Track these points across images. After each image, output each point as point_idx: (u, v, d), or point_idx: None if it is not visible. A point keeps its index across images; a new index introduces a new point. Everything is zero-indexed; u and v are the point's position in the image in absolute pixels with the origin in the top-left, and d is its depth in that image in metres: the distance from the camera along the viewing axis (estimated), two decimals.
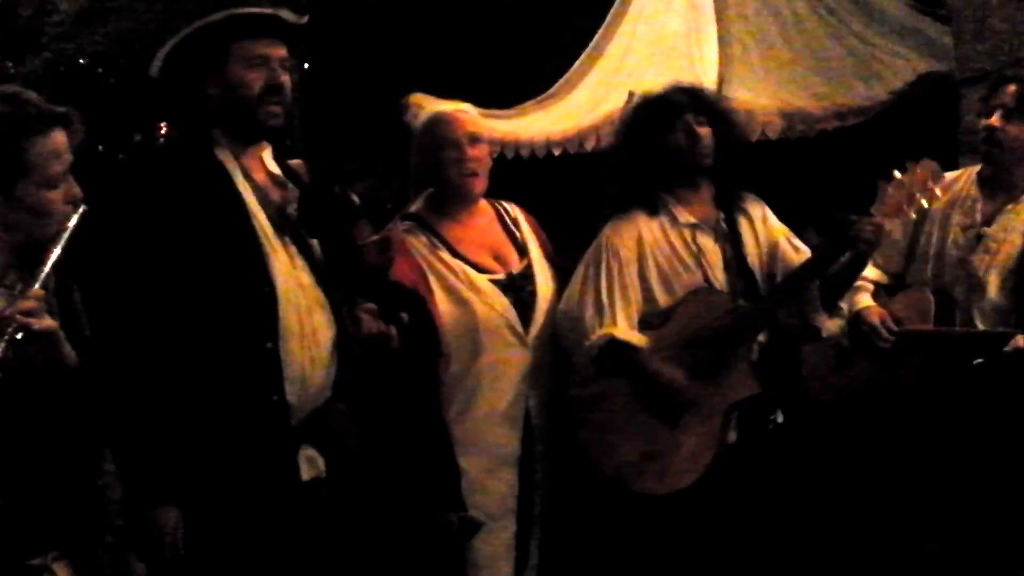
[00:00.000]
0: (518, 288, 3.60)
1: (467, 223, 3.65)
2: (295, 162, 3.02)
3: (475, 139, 3.61)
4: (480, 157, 3.61)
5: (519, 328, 3.55)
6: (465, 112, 3.70)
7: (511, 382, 3.54)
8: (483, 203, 3.71)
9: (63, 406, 2.42)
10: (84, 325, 2.57)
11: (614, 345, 3.47)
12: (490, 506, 3.49)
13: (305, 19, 2.94)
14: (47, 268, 2.35)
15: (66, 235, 2.40)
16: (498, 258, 3.63)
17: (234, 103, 2.87)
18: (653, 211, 3.57)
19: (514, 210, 3.77)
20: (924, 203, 3.47)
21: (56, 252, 2.38)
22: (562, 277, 3.68)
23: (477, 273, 3.57)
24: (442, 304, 3.52)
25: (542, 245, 3.74)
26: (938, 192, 3.49)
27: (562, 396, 3.57)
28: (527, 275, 3.63)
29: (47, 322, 2.33)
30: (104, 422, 2.60)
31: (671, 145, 3.53)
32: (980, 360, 3.61)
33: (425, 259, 3.56)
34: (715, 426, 3.43)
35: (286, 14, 2.90)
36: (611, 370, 3.48)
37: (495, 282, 3.58)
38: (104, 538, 2.64)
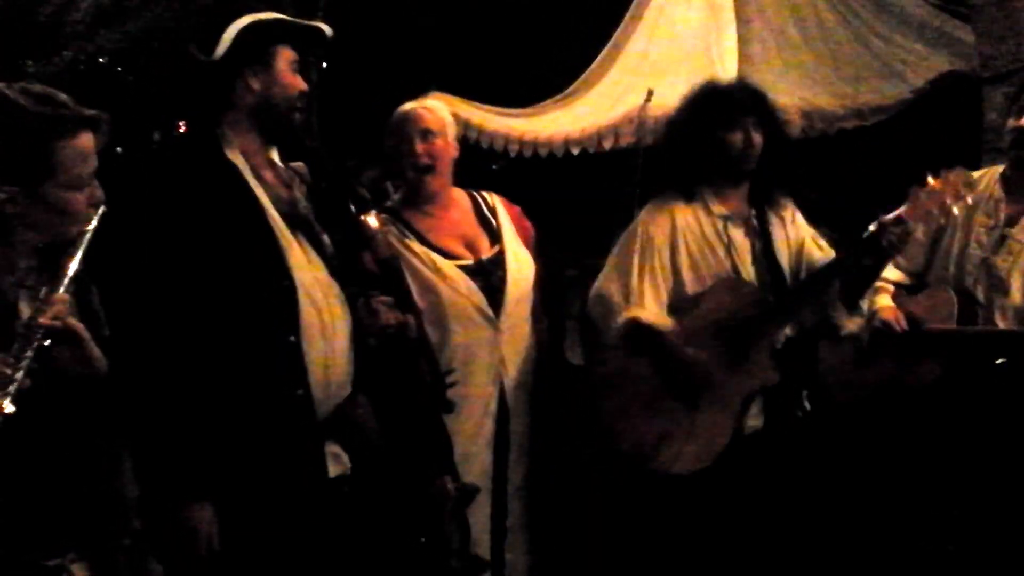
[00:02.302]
0: (487, 273, 3.62)
1: (438, 215, 3.68)
2: (296, 164, 3.04)
3: (427, 134, 3.62)
4: (433, 152, 3.62)
5: (488, 311, 3.58)
6: (426, 108, 3.70)
7: (483, 363, 3.57)
8: (457, 194, 3.74)
9: (89, 409, 2.42)
10: (103, 326, 2.57)
11: (639, 328, 3.49)
12: None
13: (330, 32, 3.00)
14: (70, 272, 2.36)
15: (87, 238, 2.40)
16: (468, 245, 3.66)
17: (280, 102, 2.92)
18: (689, 198, 3.59)
19: (492, 199, 3.79)
20: (955, 211, 3.48)
21: (78, 255, 2.38)
22: (557, 267, 3.74)
23: (444, 259, 3.59)
24: (412, 292, 3.52)
25: (522, 232, 3.75)
26: (969, 200, 3.50)
27: (585, 371, 3.63)
28: (497, 260, 3.65)
29: (73, 326, 2.34)
30: (129, 423, 2.60)
31: (726, 142, 3.53)
32: (1001, 360, 3.60)
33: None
34: (732, 413, 3.45)
35: (327, 29, 2.98)
36: (637, 350, 3.51)
37: (463, 267, 3.60)
38: (122, 539, 2.64)
